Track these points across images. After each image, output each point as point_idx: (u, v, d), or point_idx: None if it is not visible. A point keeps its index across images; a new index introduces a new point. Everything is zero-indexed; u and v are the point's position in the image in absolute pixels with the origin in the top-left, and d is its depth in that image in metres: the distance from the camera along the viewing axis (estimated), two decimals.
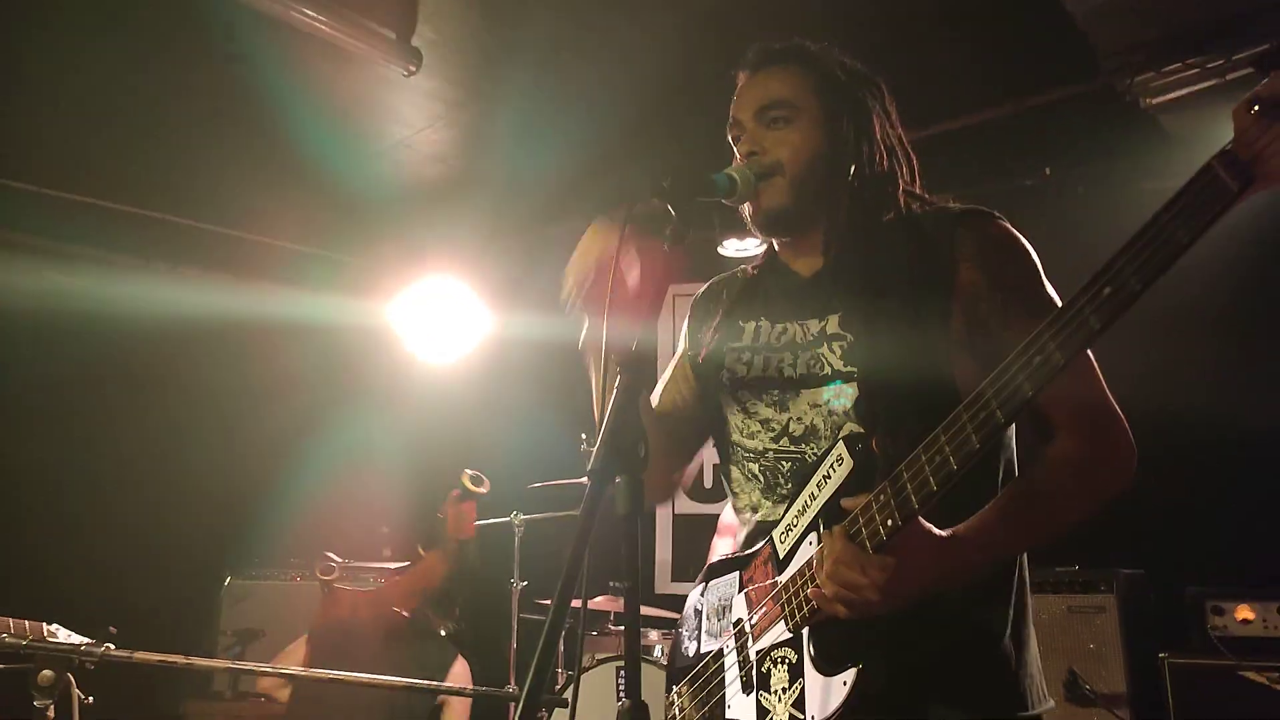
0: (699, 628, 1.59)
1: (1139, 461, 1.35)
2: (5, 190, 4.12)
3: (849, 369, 1.44)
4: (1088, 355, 1.35)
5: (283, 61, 3.51)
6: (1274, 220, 3.04)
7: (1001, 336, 1.34)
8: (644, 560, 3.62)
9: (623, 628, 3.86)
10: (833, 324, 1.49)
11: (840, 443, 1.35)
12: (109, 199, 4.41)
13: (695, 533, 4.72)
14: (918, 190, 1.57)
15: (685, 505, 4.86)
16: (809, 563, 1.33)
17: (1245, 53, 3.31)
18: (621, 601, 3.93)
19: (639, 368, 1.17)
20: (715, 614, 1.56)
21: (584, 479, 3.49)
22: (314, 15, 3.19)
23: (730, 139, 1.59)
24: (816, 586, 1.28)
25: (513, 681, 4.01)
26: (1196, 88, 3.45)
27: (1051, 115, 3.77)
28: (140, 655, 1.78)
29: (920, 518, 1.23)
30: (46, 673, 1.65)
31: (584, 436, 4.07)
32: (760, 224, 1.55)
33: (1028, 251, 1.45)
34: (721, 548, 4.50)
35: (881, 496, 1.24)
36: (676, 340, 1.80)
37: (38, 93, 3.63)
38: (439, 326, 5.11)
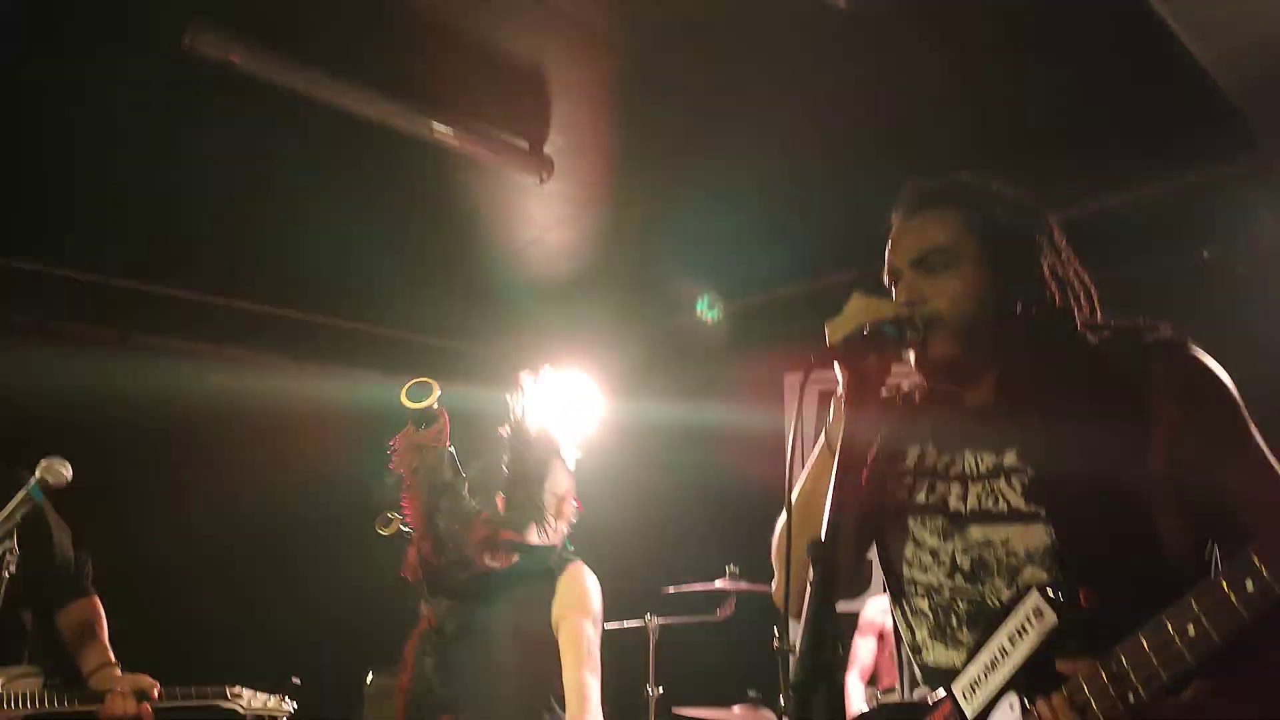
0: None
1: None
2: (172, 299, 4.45)
3: (1033, 508, 1.34)
4: None
5: (419, 172, 3.67)
6: None
7: (1211, 481, 1.25)
8: (783, 657, 3.46)
9: None
10: (1011, 457, 1.39)
11: (1034, 593, 1.24)
12: (265, 304, 4.71)
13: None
14: (1099, 321, 1.46)
15: None
16: None
17: None
18: (761, 712, 3.79)
19: (832, 559, 1.10)
20: None
21: (720, 583, 3.37)
22: (452, 133, 3.32)
23: (887, 283, 1.53)
24: None
25: None
26: None
27: (1207, 193, 3.58)
28: None
29: None
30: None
31: (732, 569, 3.97)
32: (927, 374, 1.48)
33: (1226, 385, 1.34)
34: (864, 649, 4.31)
35: (1115, 666, 1.13)
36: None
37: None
38: (565, 418, 5.16)
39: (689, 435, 4.65)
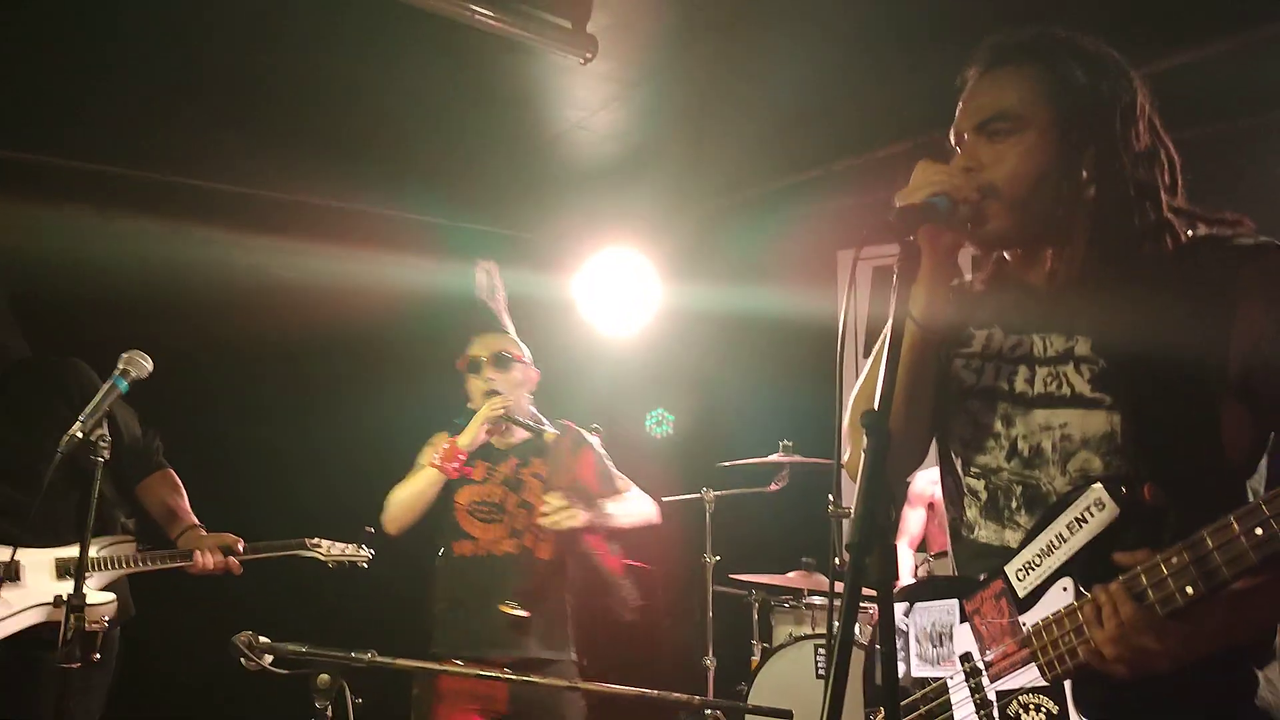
0: (906, 650, 1.55)
1: None
2: (222, 193, 4.54)
3: (1098, 395, 1.35)
4: None
5: (460, 57, 3.62)
6: None
7: None
8: (837, 520, 3.58)
9: (824, 604, 3.91)
10: (1083, 345, 1.38)
11: (1098, 485, 1.27)
12: (318, 196, 4.77)
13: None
14: (1182, 204, 1.39)
15: None
16: (1069, 613, 1.28)
17: None
18: (814, 577, 3.94)
19: (882, 427, 1.13)
20: (929, 639, 1.52)
21: (773, 457, 3.50)
22: (490, 14, 3.26)
23: (953, 145, 1.47)
24: (1089, 644, 1.23)
25: (710, 652, 4.11)
26: None
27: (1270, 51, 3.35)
28: (401, 662, 1.96)
29: None
30: (324, 676, 1.84)
31: (785, 443, 4.06)
32: (978, 244, 1.45)
33: None
34: (914, 519, 4.41)
35: (1175, 560, 1.17)
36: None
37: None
38: (619, 299, 5.22)
39: (743, 315, 4.67)
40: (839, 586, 1.15)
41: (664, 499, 4.39)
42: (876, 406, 1.16)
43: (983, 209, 1.38)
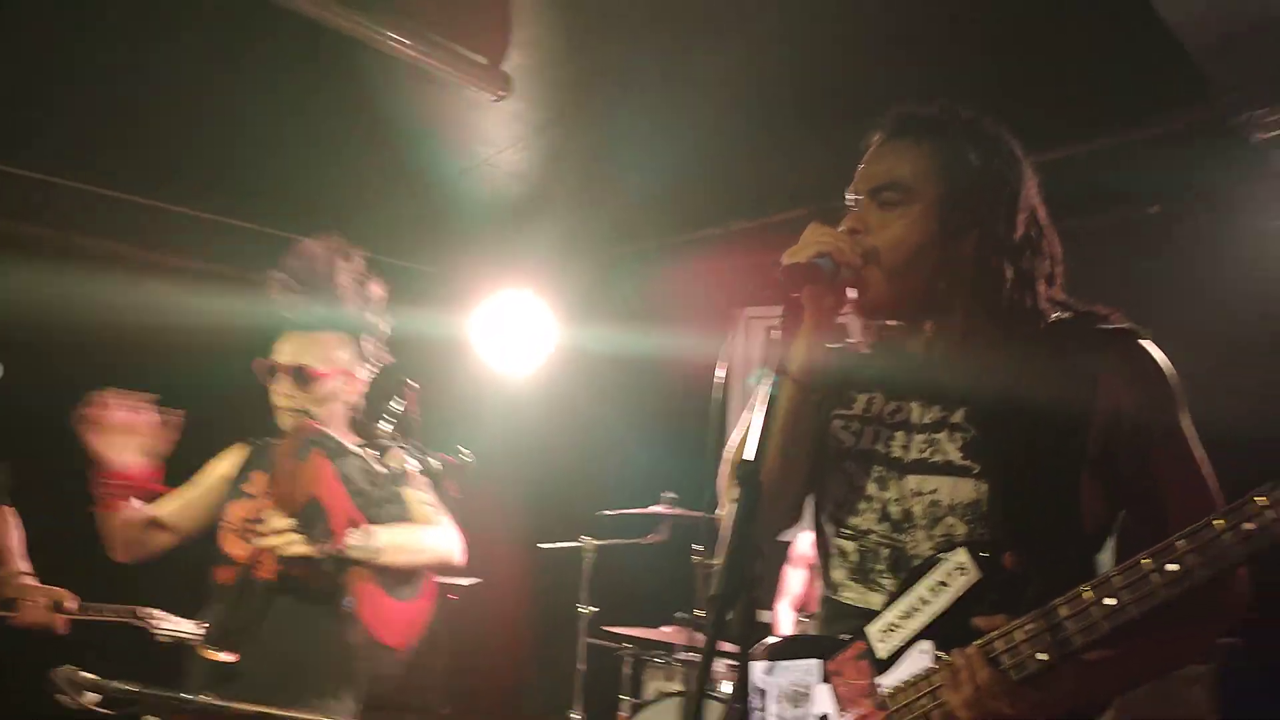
0: (764, 710, 1.52)
1: None
2: (112, 200, 4.30)
3: (967, 463, 1.38)
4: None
5: (373, 84, 3.56)
6: None
7: (1140, 467, 1.31)
8: (704, 570, 3.57)
9: (689, 660, 3.87)
10: (957, 414, 1.41)
11: (961, 550, 1.29)
12: (202, 209, 4.57)
13: (769, 560, 4.64)
14: (1058, 295, 1.44)
15: None
16: (927, 676, 1.29)
17: None
18: (689, 633, 3.90)
19: (754, 479, 1.12)
20: (788, 699, 1.49)
21: (656, 508, 3.40)
22: (407, 43, 3.22)
23: (851, 205, 1.50)
24: (944, 707, 1.25)
25: (577, 707, 4.01)
26: None
27: (1160, 147, 3.62)
28: (238, 706, 1.82)
29: None
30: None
31: (668, 495, 4.02)
32: (858, 309, 1.48)
33: (1171, 380, 1.36)
34: (795, 579, 4.44)
35: (1030, 626, 1.20)
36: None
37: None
38: (514, 339, 5.16)
39: (636, 363, 4.68)
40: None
41: (541, 545, 4.33)
42: (750, 458, 1.16)
43: (863, 274, 1.41)
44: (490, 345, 5.19)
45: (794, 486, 1.55)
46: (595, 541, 4.11)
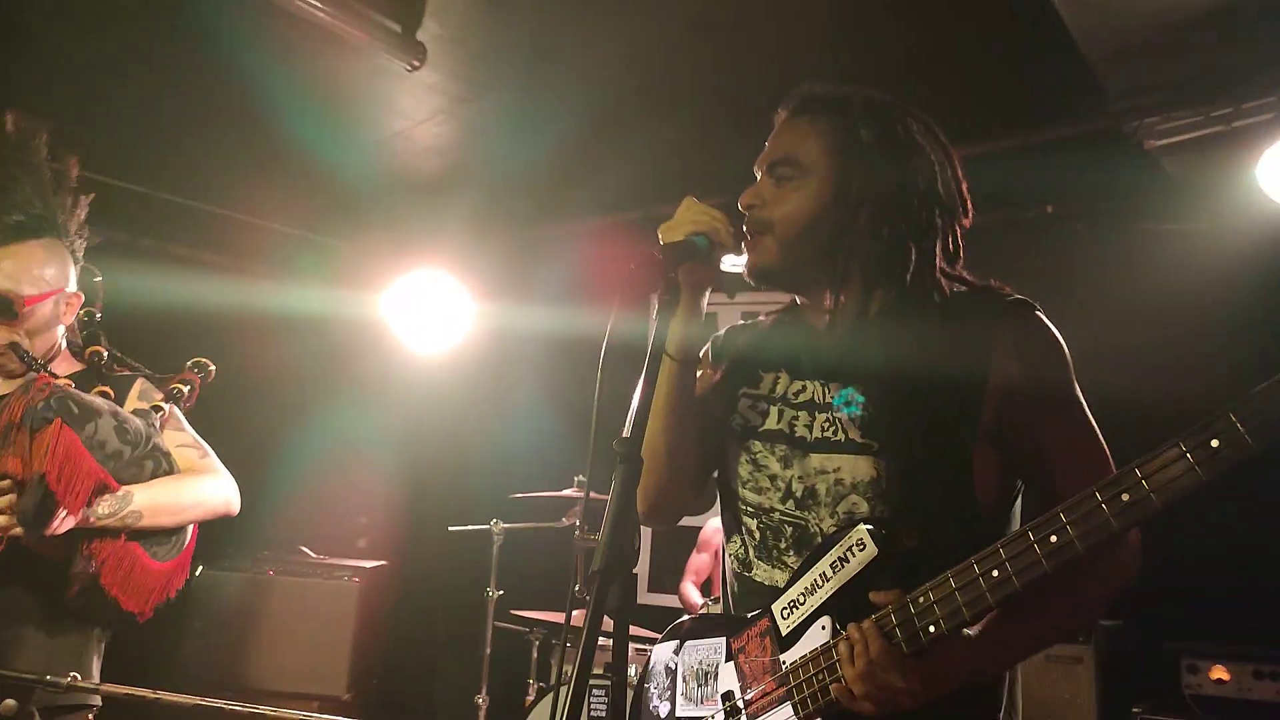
0: (672, 689, 1.53)
1: None
2: None
3: (866, 441, 1.40)
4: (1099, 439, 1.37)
5: (283, 47, 3.42)
6: None
7: (1033, 434, 1.34)
8: (586, 549, 3.58)
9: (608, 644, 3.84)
10: (855, 391, 1.43)
11: (860, 527, 1.31)
12: (98, 172, 4.32)
13: (674, 544, 4.68)
14: (957, 270, 1.48)
15: None
16: (824, 650, 1.31)
17: (1252, 103, 3.32)
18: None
19: (633, 455, 1.13)
20: (694, 678, 1.51)
21: (568, 491, 3.38)
22: (319, 6, 3.10)
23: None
24: (841, 682, 1.26)
25: (484, 690, 3.98)
26: (1201, 134, 3.46)
27: (1055, 151, 3.76)
28: (107, 688, 1.71)
29: None
30: (9, 702, 1.58)
31: (580, 478, 4.02)
32: (751, 276, 1.50)
33: (1064, 350, 1.40)
34: (699, 561, 4.49)
35: (922, 599, 1.22)
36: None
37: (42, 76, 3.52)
38: (429, 318, 5.06)
39: (551, 344, 4.64)
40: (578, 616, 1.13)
41: (451, 529, 4.27)
42: (628, 436, 1.17)
43: (759, 243, 1.45)
44: (403, 324, 5.07)
45: (690, 465, 1.57)
46: (504, 525, 4.07)
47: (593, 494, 3.79)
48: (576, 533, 3.30)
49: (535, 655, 4.08)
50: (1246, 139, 3.33)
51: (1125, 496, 1.10)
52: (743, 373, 1.58)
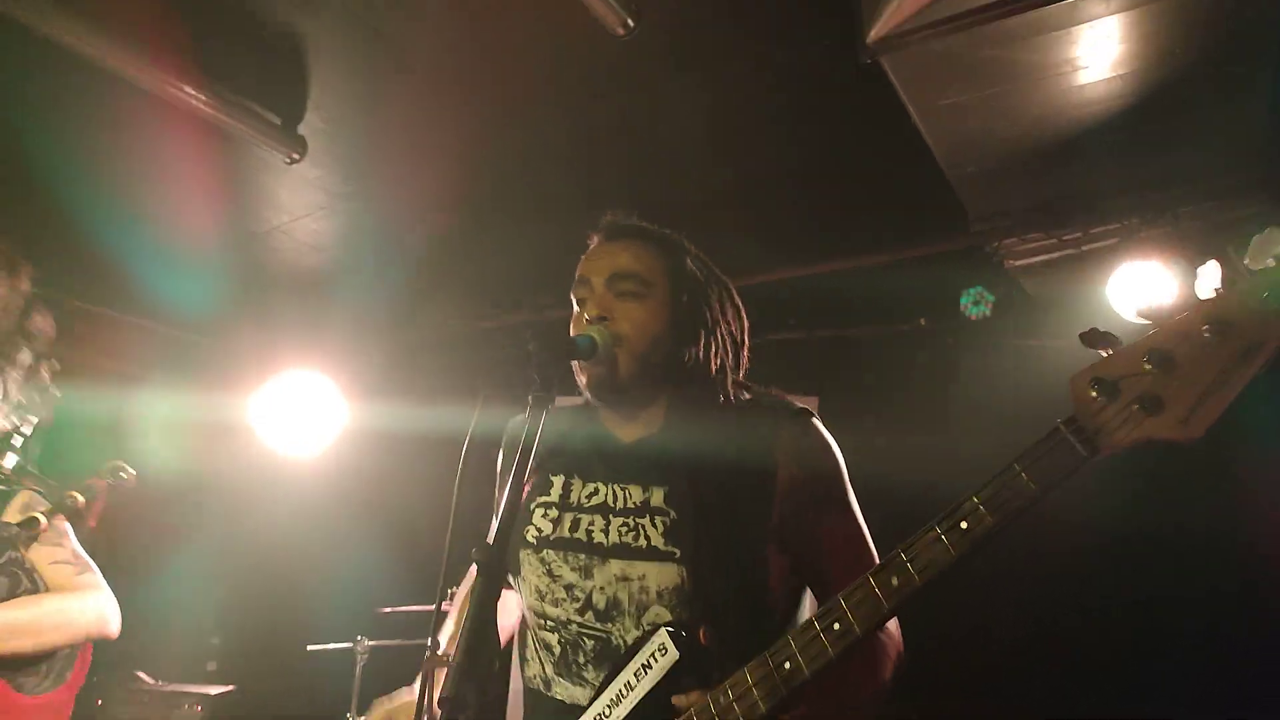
0: None
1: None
2: None
3: (670, 548, 1.40)
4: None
5: (162, 131, 3.30)
6: None
7: (812, 534, 1.41)
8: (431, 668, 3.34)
9: None
10: (657, 497, 1.45)
11: (662, 631, 1.30)
12: None
13: None
14: (744, 381, 1.60)
15: None
16: None
17: (1098, 228, 3.57)
18: None
19: (495, 565, 1.10)
20: None
21: (445, 605, 3.18)
22: (198, 96, 3.01)
23: (574, 298, 1.57)
24: None
25: None
26: (1054, 255, 3.70)
27: (927, 267, 3.95)
28: None
29: None
30: None
31: (453, 590, 3.81)
32: (601, 389, 1.51)
33: (838, 456, 1.50)
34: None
35: (721, 699, 1.21)
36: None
37: None
38: (299, 422, 4.81)
39: (428, 444, 4.47)
40: None
41: (310, 647, 3.95)
42: (491, 540, 1.15)
43: (613, 355, 1.49)
44: (272, 427, 4.80)
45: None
46: (369, 642, 3.79)
47: (445, 605, 3.59)
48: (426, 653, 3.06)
49: None
50: (1096, 260, 3.57)
51: (894, 581, 1.14)
52: (533, 480, 1.57)
